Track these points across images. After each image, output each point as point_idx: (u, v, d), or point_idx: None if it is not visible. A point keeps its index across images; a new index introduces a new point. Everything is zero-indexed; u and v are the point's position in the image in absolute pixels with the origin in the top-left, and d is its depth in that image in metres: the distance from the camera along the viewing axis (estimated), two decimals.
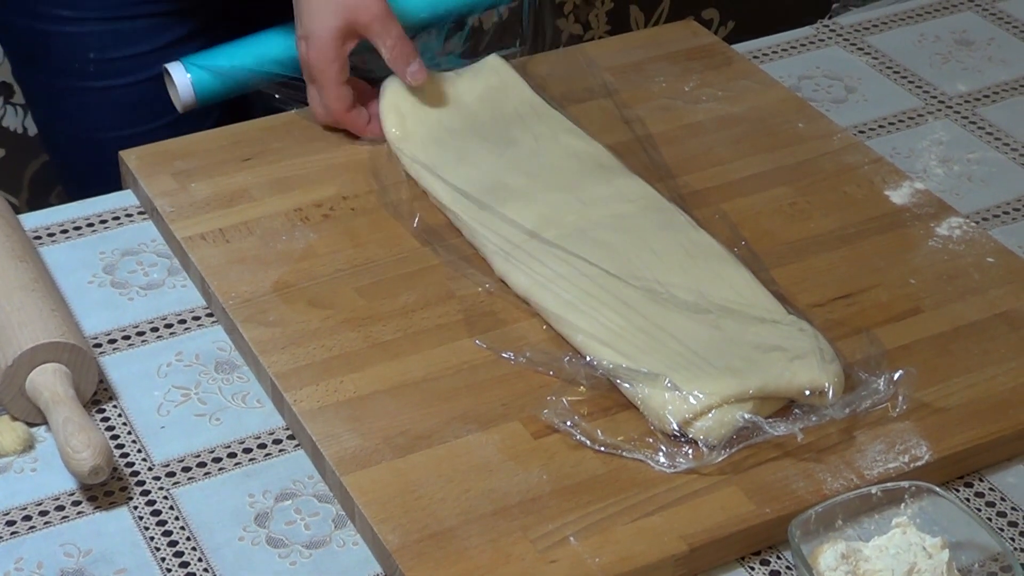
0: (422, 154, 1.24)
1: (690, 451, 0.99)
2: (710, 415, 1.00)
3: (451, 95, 1.29)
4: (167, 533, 0.97)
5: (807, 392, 1.01)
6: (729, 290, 1.10)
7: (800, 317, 1.08)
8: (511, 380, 1.05)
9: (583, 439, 1.00)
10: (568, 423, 1.01)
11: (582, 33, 2.42)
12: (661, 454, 0.99)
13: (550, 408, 1.01)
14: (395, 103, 1.27)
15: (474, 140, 1.25)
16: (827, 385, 1.02)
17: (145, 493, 0.99)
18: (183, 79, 1.31)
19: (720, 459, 0.99)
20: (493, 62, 1.33)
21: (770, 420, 1.00)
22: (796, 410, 1.02)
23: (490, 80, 1.32)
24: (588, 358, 1.05)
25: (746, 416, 1.00)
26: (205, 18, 1.41)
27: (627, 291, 1.09)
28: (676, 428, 1.00)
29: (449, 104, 1.29)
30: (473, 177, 1.21)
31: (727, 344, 1.05)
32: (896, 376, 1.03)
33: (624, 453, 1.00)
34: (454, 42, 1.35)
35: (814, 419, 1.00)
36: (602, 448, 1.00)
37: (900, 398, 1.03)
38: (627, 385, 1.02)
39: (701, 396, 1.00)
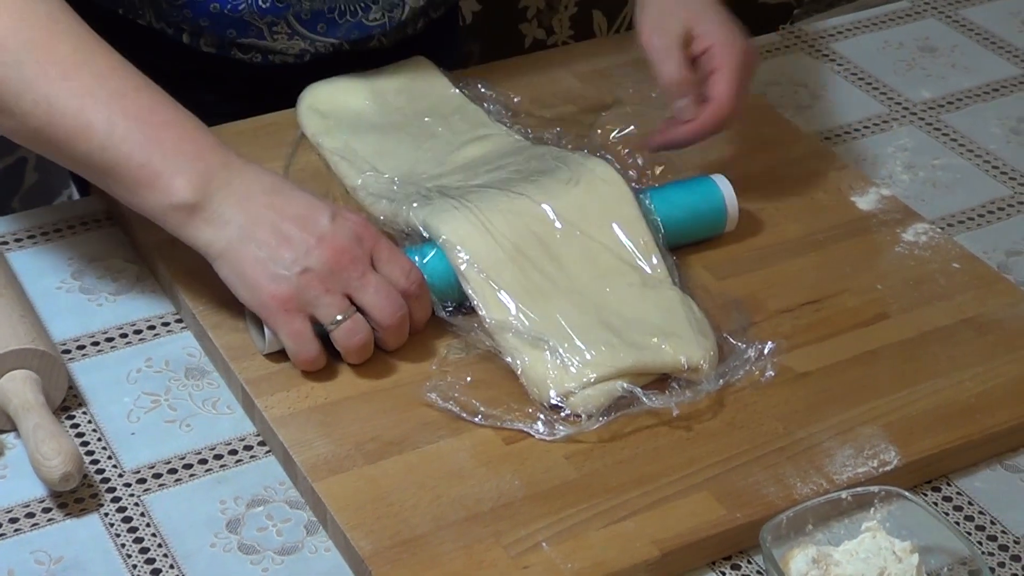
0: (341, 146, 1.24)
1: (568, 419, 1.02)
2: (588, 389, 1.02)
3: (371, 91, 1.29)
4: (138, 540, 0.96)
5: (684, 368, 1.04)
6: (613, 255, 1.12)
7: (679, 288, 1.10)
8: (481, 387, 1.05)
9: (463, 414, 1.02)
10: (450, 402, 1.02)
11: (545, 38, 2.42)
12: (540, 423, 1.01)
13: (432, 384, 1.03)
14: (313, 103, 1.28)
15: (392, 133, 1.26)
16: (702, 361, 1.05)
17: (116, 500, 0.99)
18: None
19: (596, 427, 1.01)
20: (417, 59, 1.33)
21: (647, 392, 1.03)
22: (673, 382, 1.04)
23: (412, 77, 1.31)
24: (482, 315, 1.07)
25: (624, 386, 1.03)
26: None
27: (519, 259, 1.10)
28: (555, 399, 1.02)
29: (369, 100, 1.28)
30: (390, 167, 1.21)
31: (606, 316, 1.07)
32: (766, 347, 1.07)
33: (504, 424, 1.02)
34: None
35: (689, 395, 1.03)
36: (480, 419, 1.02)
37: (768, 365, 1.06)
38: (508, 358, 1.04)
39: (580, 370, 1.02)
